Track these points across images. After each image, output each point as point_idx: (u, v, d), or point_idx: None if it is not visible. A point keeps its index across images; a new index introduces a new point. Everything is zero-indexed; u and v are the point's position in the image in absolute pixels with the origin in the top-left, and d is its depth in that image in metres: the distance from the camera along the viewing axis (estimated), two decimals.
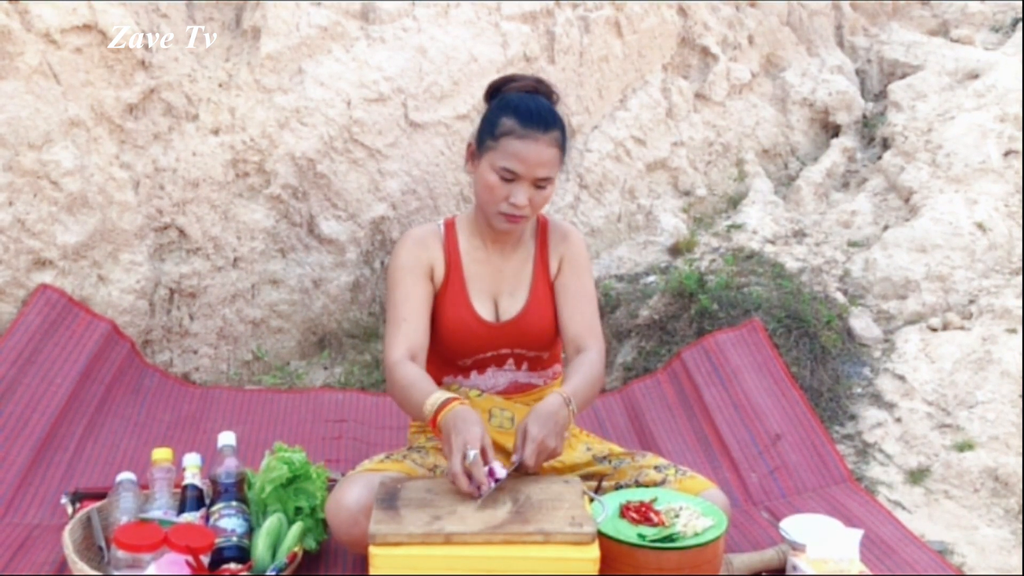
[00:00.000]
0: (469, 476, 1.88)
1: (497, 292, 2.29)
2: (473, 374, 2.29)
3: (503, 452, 2.21)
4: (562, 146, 2.16)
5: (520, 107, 2.14)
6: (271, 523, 2.12)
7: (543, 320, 2.29)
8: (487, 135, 2.16)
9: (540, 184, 2.14)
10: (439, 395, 1.99)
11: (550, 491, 1.96)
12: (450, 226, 2.32)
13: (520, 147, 2.10)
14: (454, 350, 2.26)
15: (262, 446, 2.65)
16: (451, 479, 1.90)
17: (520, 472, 1.98)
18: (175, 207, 3.09)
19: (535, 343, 2.30)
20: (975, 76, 4.39)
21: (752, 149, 4.39)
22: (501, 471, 1.90)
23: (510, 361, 2.29)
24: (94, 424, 2.74)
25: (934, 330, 3.28)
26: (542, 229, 2.36)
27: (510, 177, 2.12)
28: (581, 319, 2.27)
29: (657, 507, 2.00)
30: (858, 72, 4.88)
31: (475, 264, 2.28)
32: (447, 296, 2.25)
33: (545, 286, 2.31)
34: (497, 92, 2.26)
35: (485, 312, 2.26)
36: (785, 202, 4.19)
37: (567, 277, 2.32)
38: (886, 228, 3.85)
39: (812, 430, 2.82)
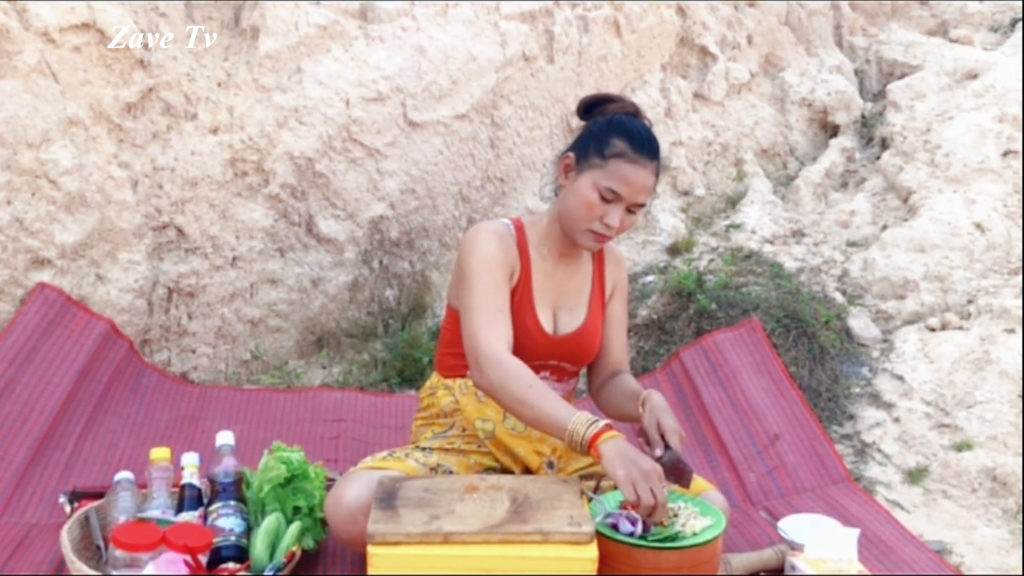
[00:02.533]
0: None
1: (557, 305, 2.28)
2: None
3: (511, 455, 2.21)
4: (658, 174, 2.19)
5: (633, 131, 2.14)
6: (269, 522, 2.12)
7: (596, 339, 2.31)
8: (595, 153, 2.14)
9: (633, 209, 2.15)
10: (586, 415, 1.96)
11: (548, 491, 1.96)
12: (520, 229, 2.27)
13: (629, 171, 2.10)
14: None
15: (260, 445, 2.65)
16: (653, 509, 1.87)
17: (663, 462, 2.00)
18: (173, 206, 3.09)
19: (581, 360, 2.31)
20: (974, 76, 4.40)
21: (751, 149, 4.39)
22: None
23: (547, 371, 2.27)
24: (92, 423, 2.74)
25: (933, 330, 3.28)
26: (599, 250, 2.37)
27: (611, 198, 2.11)
28: (623, 345, 2.39)
29: None
30: (857, 72, 4.89)
31: (542, 274, 2.26)
32: (515, 301, 2.21)
33: (600, 307, 2.33)
34: (591, 109, 2.26)
35: (547, 324, 2.24)
36: (784, 202, 4.20)
37: (617, 305, 2.38)
38: (885, 228, 3.85)
39: (811, 430, 2.82)
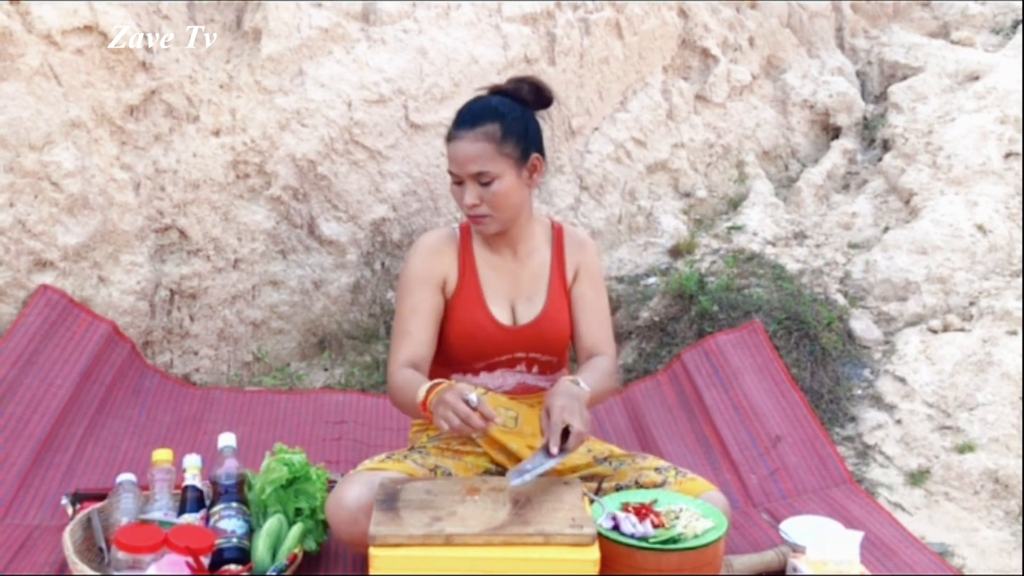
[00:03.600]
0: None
1: (514, 297, 2.31)
2: (483, 374, 2.30)
3: (505, 451, 2.21)
4: (500, 138, 2.16)
5: (458, 112, 2.24)
6: (271, 524, 2.12)
7: (560, 325, 2.32)
8: None
9: (483, 181, 2.17)
10: (427, 384, 2.05)
11: (550, 492, 1.96)
12: (466, 231, 2.34)
13: (451, 148, 2.20)
14: (470, 352, 2.28)
15: (262, 447, 2.65)
16: (459, 420, 1.91)
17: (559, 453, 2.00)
18: (176, 208, 3.10)
19: (550, 348, 2.32)
20: (975, 78, 4.39)
21: (752, 151, 4.39)
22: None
23: (522, 364, 2.30)
24: (94, 425, 2.74)
25: (934, 332, 3.28)
26: (558, 236, 2.39)
27: (456, 179, 2.20)
28: (598, 330, 2.36)
29: (657, 508, 2.00)
30: (858, 74, 4.88)
31: (491, 269, 2.31)
32: (461, 300, 2.27)
33: (562, 292, 2.34)
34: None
35: (502, 316, 2.28)
36: (785, 204, 4.19)
37: (584, 287, 2.37)
38: (886, 230, 3.85)
39: (812, 432, 2.82)
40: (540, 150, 2.26)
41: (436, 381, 2.05)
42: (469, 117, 2.19)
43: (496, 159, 2.16)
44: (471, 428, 1.91)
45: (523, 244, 2.33)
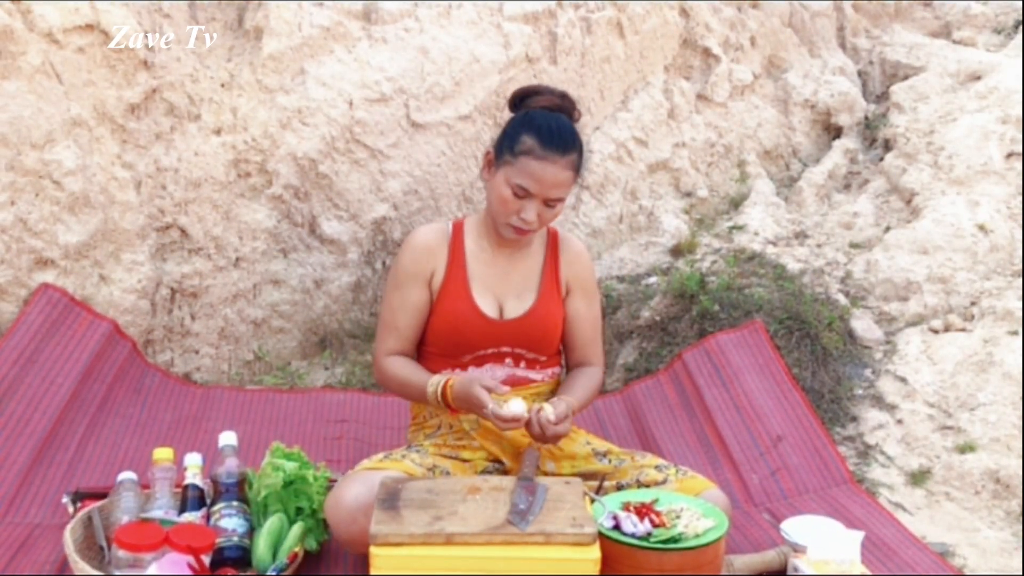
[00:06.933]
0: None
1: (502, 293, 2.32)
2: (471, 368, 2.31)
3: (500, 442, 2.25)
4: (578, 167, 2.22)
5: (543, 127, 2.18)
6: (272, 523, 2.12)
7: (548, 323, 2.33)
8: (507, 149, 2.20)
9: (551, 203, 2.20)
10: (437, 378, 2.16)
11: (551, 492, 1.96)
12: (458, 227, 2.36)
13: (537, 168, 2.15)
14: (454, 343, 2.29)
15: (263, 446, 2.65)
16: (499, 422, 2.07)
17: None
18: (177, 207, 3.10)
19: (537, 345, 2.32)
20: (977, 78, 4.39)
21: (754, 150, 4.39)
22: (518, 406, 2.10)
23: (509, 359, 2.31)
24: (95, 424, 2.75)
25: (935, 332, 3.28)
26: (553, 240, 2.41)
27: (523, 194, 2.18)
28: (590, 344, 2.43)
29: (658, 508, 2.00)
30: (860, 74, 4.88)
31: (480, 264, 2.32)
32: (448, 291, 2.29)
33: (553, 294, 2.36)
34: (522, 102, 2.30)
35: (488, 309, 2.29)
36: (787, 203, 4.19)
37: (579, 301, 2.40)
38: (888, 230, 3.85)
39: (813, 431, 2.82)
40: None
41: (444, 379, 2.16)
42: (560, 142, 2.17)
43: (571, 186, 2.23)
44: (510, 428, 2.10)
45: (520, 244, 2.35)
